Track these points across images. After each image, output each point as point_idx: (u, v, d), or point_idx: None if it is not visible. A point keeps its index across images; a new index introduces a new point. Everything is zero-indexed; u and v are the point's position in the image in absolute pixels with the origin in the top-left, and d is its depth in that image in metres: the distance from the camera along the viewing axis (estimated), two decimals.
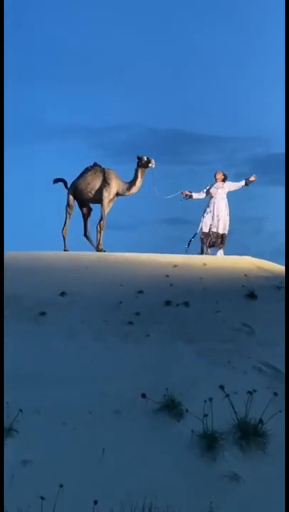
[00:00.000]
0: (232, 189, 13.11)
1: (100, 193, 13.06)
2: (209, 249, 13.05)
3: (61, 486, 4.86)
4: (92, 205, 13.48)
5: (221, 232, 12.98)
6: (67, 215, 13.46)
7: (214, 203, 13.05)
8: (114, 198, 13.16)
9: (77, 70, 28.20)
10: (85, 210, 13.53)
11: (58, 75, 28.28)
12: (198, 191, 13.31)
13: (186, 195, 13.24)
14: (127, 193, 13.14)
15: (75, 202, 13.48)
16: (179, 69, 29.17)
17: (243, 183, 13.10)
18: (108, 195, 13.02)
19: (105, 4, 29.36)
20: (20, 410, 5.80)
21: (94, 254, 12.42)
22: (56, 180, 13.60)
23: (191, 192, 13.28)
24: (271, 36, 28.45)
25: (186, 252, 12.75)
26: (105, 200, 13.04)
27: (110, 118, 30.65)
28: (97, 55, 28.52)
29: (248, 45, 29.55)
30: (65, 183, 13.52)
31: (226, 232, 13.03)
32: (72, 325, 8.06)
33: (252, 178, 13.07)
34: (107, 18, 29.28)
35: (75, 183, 13.44)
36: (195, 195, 13.25)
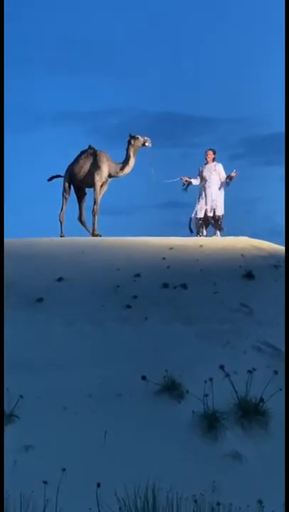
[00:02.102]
0: (221, 176, 13.03)
1: (92, 176, 12.97)
2: (205, 231, 13.01)
3: (64, 469, 4.87)
4: (87, 190, 13.42)
5: (217, 214, 12.93)
6: (64, 199, 13.38)
7: (208, 187, 12.97)
8: (107, 180, 13.05)
9: (66, 54, 28.02)
10: (80, 194, 13.46)
11: (47, 60, 28.13)
12: (194, 176, 13.23)
13: (186, 181, 13.15)
14: (121, 174, 13.00)
15: (71, 186, 13.42)
16: (170, 51, 29.03)
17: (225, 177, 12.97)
18: (100, 178, 12.91)
19: None
20: (21, 396, 5.80)
21: (90, 239, 12.38)
22: (51, 178, 13.52)
23: (190, 178, 13.20)
24: (264, 16, 28.29)
25: (191, 235, 12.73)
26: (97, 184, 12.94)
27: (102, 102, 30.56)
28: (87, 39, 28.34)
29: (239, 25, 29.37)
30: (61, 176, 13.47)
31: (221, 214, 12.97)
32: (71, 310, 8.04)
33: (233, 174, 12.95)
34: (97, 1, 29.10)
35: (70, 168, 13.37)
36: (194, 182, 13.17)
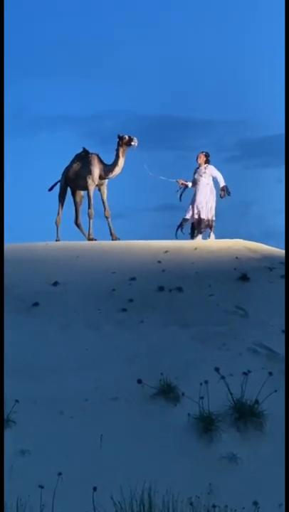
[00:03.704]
0: (214, 175, 12.96)
1: (85, 180, 13.00)
2: (200, 235, 13.02)
3: (60, 474, 4.88)
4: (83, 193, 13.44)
5: (205, 217, 12.88)
6: (60, 203, 13.42)
7: (197, 190, 12.95)
8: (102, 182, 13.05)
9: (62, 58, 28.06)
10: (76, 197, 13.49)
11: (41, 65, 28.14)
12: (190, 179, 13.23)
13: (182, 184, 13.14)
14: (111, 175, 13.01)
15: (68, 190, 13.45)
16: (165, 54, 29.05)
17: (222, 184, 12.93)
18: (92, 182, 12.93)
19: None
20: (17, 401, 5.81)
21: (85, 243, 12.39)
22: (51, 188, 13.55)
23: (186, 181, 13.20)
24: (260, 17, 28.36)
25: (177, 237, 12.69)
26: (90, 188, 12.96)
27: (97, 106, 30.57)
28: (83, 43, 28.41)
29: (234, 27, 29.44)
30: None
31: (212, 217, 12.92)
32: (66, 314, 8.06)
33: (223, 194, 12.87)
34: (90, 5, 29.15)
35: (65, 171, 13.41)
36: (189, 185, 13.18)
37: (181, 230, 12.82)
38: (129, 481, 4.95)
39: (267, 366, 6.44)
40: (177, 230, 12.76)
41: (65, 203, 13.38)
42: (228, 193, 12.78)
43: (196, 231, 12.81)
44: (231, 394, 5.74)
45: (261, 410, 5.70)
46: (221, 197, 12.75)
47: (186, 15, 28.74)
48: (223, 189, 12.74)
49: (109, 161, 13.06)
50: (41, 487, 4.73)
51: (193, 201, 12.87)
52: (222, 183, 12.82)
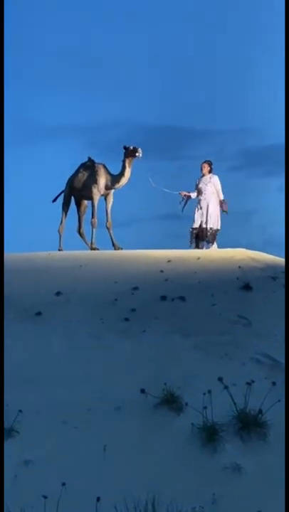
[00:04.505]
0: (216, 188, 13.06)
1: (90, 189, 13.04)
2: (201, 244, 13.05)
3: (64, 484, 4.87)
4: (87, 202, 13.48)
5: (214, 227, 12.96)
6: (64, 212, 13.45)
7: (204, 199, 13.02)
8: (108, 193, 13.10)
9: (64, 68, 28.16)
10: (80, 207, 13.53)
11: (44, 75, 28.24)
12: (192, 190, 13.28)
13: (185, 195, 13.19)
14: (117, 186, 13.06)
15: (72, 199, 13.48)
16: (168, 64, 29.15)
17: (221, 198, 13.03)
18: (97, 191, 12.98)
19: (94, 4, 29.33)
20: (20, 411, 5.81)
21: (87, 253, 12.41)
22: (55, 199, 13.59)
23: (189, 192, 13.25)
24: (260, 27, 28.44)
25: (190, 247, 12.81)
26: (95, 197, 13.01)
27: (99, 116, 30.63)
28: (85, 53, 28.47)
29: (236, 37, 29.54)
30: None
31: (218, 227, 13.00)
32: (69, 324, 8.06)
33: (224, 208, 12.99)
34: (95, 16, 29.26)
35: (70, 181, 13.45)
36: (192, 195, 13.23)
37: (191, 243, 12.91)
38: (132, 491, 4.95)
39: (270, 376, 6.44)
40: (191, 241, 12.87)
41: (68, 212, 13.42)
42: (226, 210, 12.93)
43: (208, 241, 12.89)
44: (235, 404, 5.73)
45: (265, 420, 5.69)
46: (223, 210, 12.90)
47: (187, 25, 28.84)
48: (222, 202, 12.88)
49: (114, 171, 13.12)
50: (45, 497, 4.72)
51: (200, 209, 12.93)
52: (221, 197, 12.93)
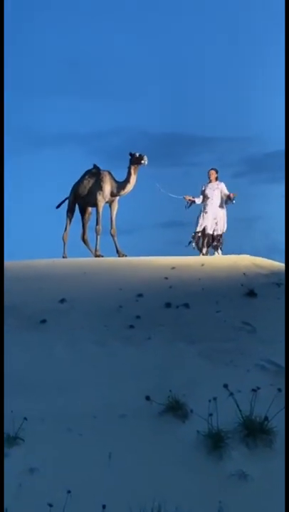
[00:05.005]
0: (224, 192, 13.13)
1: (94, 196, 13.06)
2: (205, 249, 13.07)
3: (69, 492, 4.85)
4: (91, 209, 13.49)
5: (219, 232, 13.02)
6: (68, 219, 13.47)
7: (211, 204, 13.08)
8: (114, 200, 13.12)
9: (67, 75, 28.23)
10: (84, 214, 13.55)
11: (48, 82, 28.31)
12: (197, 195, 13.33)
13: (189, 200, 13.26)
14: (122, 192, 13.09)
15: (76, 206, 13.50)
16: (169, 71, 29.20)
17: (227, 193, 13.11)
18: (102, 198, 13.00)
19: (94, 9, 29.40)
20: (25, 418, 5.79)
21: (92, 260, 12.41)
22: (59, 205, 13.61)
23: (194, 197, 13.30)
24: (262, 36, 28.52)
25: (189, 245, 12.83)
26: (100, 204, 13.02)
27: (102, 123, 30.70)
28: (88, 60, 28.55)
29: (238, 44, 29.60)
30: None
31: (223, 231, 13.07)
32: (74, 331, 8.05)
33: (232, 195, 13.07)
34: (97, 23, 29.34)
35: (74, 187, 13.47)
36: (197, 201, 13.27)
37: (191, 243, 12.95)
38: (138, 499, 4.93)
39: (275, 382, 6.42)
40: (191, 243, 12.90)
41: (73, 219, 13.45)
42: (233, 199, 12.98)
43: (214, 247, 12.92)
44: (240, 411, 5.71)
45: (270, 427, 5.66)
46: (230, 198, 12.93)
47: (190, 33, 28.91)
48: (230, 196, 12.95)
49: (118, 178, 13.15)
50: (50, 505, 4.70)
51: (206, 213, 12.97)
52: (227, 193, 13.03)
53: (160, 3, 28.89)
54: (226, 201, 13.04)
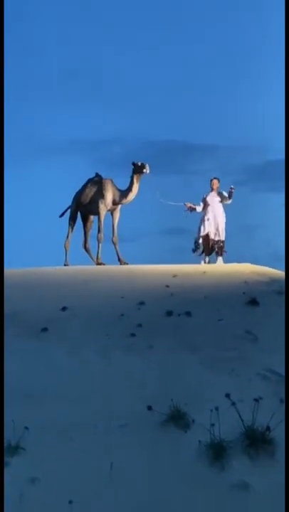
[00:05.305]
0: (224, 201, 13.19)
1: (96, 204, 13.08)
2: (207, 258, 13.09)
3: (70, 502, 4.83)
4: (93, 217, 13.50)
5: (221, 238, 13.05)
6: (70, 227, 13.48)
7: (212, 210, 13.12)
8: (115, 208, 13.15)
9: (68, 84, 28.29)
10: (86, 222, 13.56)
11: (49, 91, 28.36)
12: (198, 203, 13.37)
13: (190, 207, 13.30)
14: (124, 201, 13.11)
15: (78, 214, 13.51)
16: (171, 80, 29.26)
17: (228, 198, 13.19)
18: (104, 206, 13.02)
19: (98, 21, 29.49)
20: (26, 428, 5.77)
21: (93, 268, 12.40)
22: (62, 214, 13.63)
23: (195, 205, 13.34)
24: (264, 44, 28.58)
25: (195, 252, 12.89)
26: (101, 212, 13.04)
27: (104, 132, 30.77)
28: (89, 70, 28.62)
29: (240, 53, 29.66)
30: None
31: (224, 238, 13.11)
32: (75, 339, 8.03)
33: (231, 189, 13.20)
34: (100, 34, 29.41)
35: (77, 196, 13.49)
36: (197, 208, 13.32)
37: (196, 249, 13.01)
38: (139, 510, 4.91)
39: (277, 392, 6.40)
40: (194, 251, 12.94)
41: (75, 227, 13.47)
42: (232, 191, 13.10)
43: (217, 253, 12.97)
44: (242, 420, 5.69)
45: (272, 437, 5.64)
46: (231, 189, 13.04)
47: (191, 42, 28.97)
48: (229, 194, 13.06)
49: (120, 186, 13.19)
50: None
51: (208, 220, 13.02)
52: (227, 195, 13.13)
53: (162, 12, 28.98)
54: (229, 195, 13.15)
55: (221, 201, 13.12)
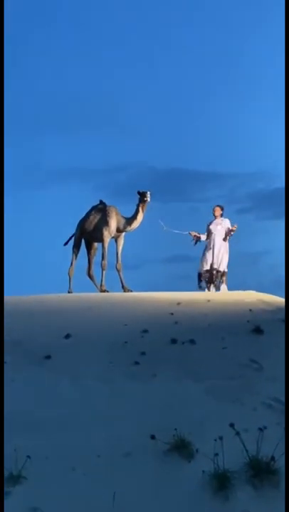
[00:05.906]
0: (226, 227, 13.18)
1: (100, 231, 13.10)
2: (211, 286, 13.06)
3: None
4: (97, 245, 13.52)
5: (221, 269, 13.03)
6: (74, 254, 13.49)
7: (214, 239, 13.11)
8: (119, 235, 13.17)
9: (73, 112, 28.50)
10: (90, 249, 13.57)
11: (55, 119, 28.59)
12: (202, 231, 13.37)
13: (195, 236, 13.31)
14: (129, 228, 13.13)
15: (82, 241, 13.54)
16: (177, 108, 29.48)
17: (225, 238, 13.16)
18: (108, 233, 13.04)
19: (100, 46, 29.80)
20: (29, 457, 5.72)
21: (97, 295, 12.38)
22: (67, 242, 13.67)
23: (199, 234, 13.36)
24: (268, 70, 28.82)
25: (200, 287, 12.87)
26: (105, 239, 13.06)
27: (109, 159, 30.93)
28: (94, 97, 28.85)
29: (244, 79, 29.90)
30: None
31: (226, 269, 13.08)
32: (78, 367, 7.99)
33: (233, 228, 13.15)
34: (104, 59, 29.71)
35: (81, 223, 13.52)
36: (202, 237, 13.33)
37: (199, 283, 13.00)
38: None
39: (282, 422, 6.34)
40: (199, 282, 12.94)
41: (79, 254, 13.49)
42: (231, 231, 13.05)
43: (210, 282, 12.93)
44: (247, 450, 5.63)
45: (277, 467, 5.58)
46: (232, 231, 12.99)
47: (197, 68, 29.24)
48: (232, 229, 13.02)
49: (125, 214, 13.22)
50: None
51: (210, 250, 13.01)
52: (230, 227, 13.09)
53: (166, 38, 29.28)
54: (228, 234, 13.08)
55: (224, 238, 13.09)
